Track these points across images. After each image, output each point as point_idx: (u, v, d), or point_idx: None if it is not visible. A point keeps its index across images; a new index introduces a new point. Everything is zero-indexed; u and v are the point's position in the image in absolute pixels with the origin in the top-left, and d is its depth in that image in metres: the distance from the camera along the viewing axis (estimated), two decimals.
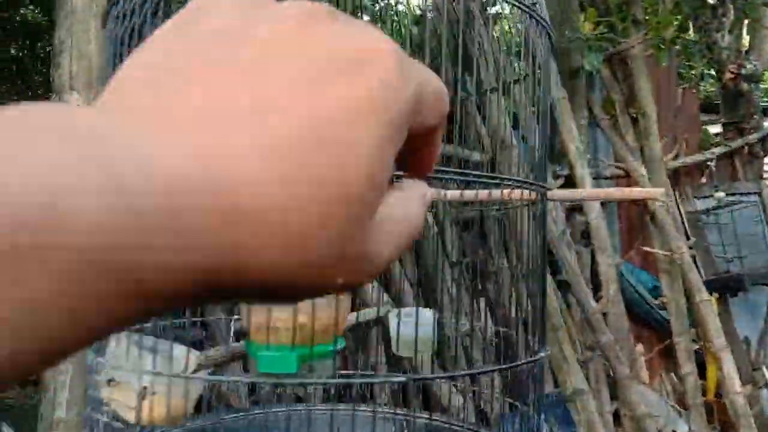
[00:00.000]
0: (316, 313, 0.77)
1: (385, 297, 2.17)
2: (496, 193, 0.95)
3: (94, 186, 0.14)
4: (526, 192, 0.91)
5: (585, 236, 2.80)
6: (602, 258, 2.53)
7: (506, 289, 2.59)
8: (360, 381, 0.78)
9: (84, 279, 0.14)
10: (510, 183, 0.89)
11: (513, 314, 1.06)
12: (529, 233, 0.95)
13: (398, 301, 2.27)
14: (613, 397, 2.36)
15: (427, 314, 1.17)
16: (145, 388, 0.75)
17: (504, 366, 0.87)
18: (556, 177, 2.72)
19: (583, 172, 2.65)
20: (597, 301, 2.52)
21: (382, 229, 0.19)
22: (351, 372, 1.75)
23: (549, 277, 2.44)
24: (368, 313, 1.35)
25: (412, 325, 1.05)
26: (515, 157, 2.00)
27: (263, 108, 0.17)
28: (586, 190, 1.26)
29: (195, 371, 0.74)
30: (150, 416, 0.76)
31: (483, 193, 0.94)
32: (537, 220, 0.95)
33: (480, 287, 2.79)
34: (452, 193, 0.97)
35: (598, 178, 2.94)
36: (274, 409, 1.22)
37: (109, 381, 0.79)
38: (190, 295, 0.16)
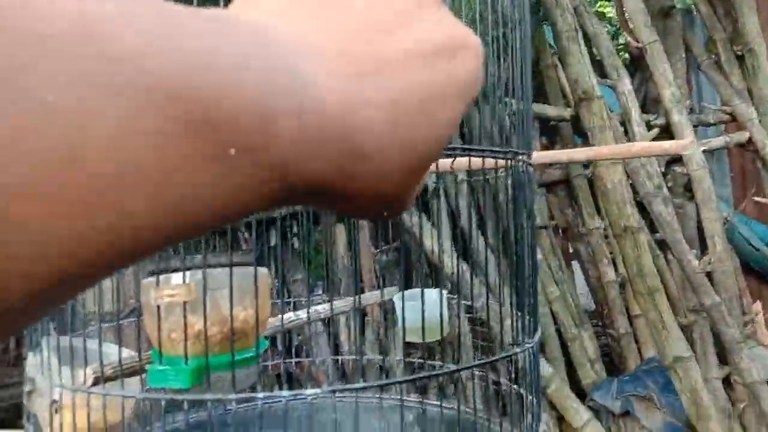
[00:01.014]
0: (219, 318, 0.68)
1: (464, 266, 2.10)
2: (473, 161, 0.85)
3: (289, 108, 0.18)
4: (497, 161, 0.81)
5: (688, 189, 2.57)
6: (706, 211, 2.31)
7: (600, 251, 2.44)
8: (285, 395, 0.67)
9: (267, 174, 0.18)
10: (476, 153, 0.79)
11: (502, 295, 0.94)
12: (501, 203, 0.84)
13: (478, 269, 2.18)
14: (725, 361, 2.17)
15: (433, 295, 1.07)
16: (54, 401, 0.72)
17: (476, 363, 0.77)
18: (650, 127, 2.51)
19: (680, 119, 2.43)
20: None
21: None
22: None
23: (645, 237, 2.27)
24: (370, 298, 1.27)
25: (417, 309, 0.95)
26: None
27: (392, 69, 0.21)
28: (575, 150, 1.11)
29: (95, 384, 0.69)
30: None
31: (459, 162, 0.83)
32: (517, 188, 0.84)
33: (571, 250, 2.65)
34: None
35: (700, 125, 2.68)
36: (276, 398, 1.19)
37: (30, 392, 0.77)
38: (307, 194, 0.20)
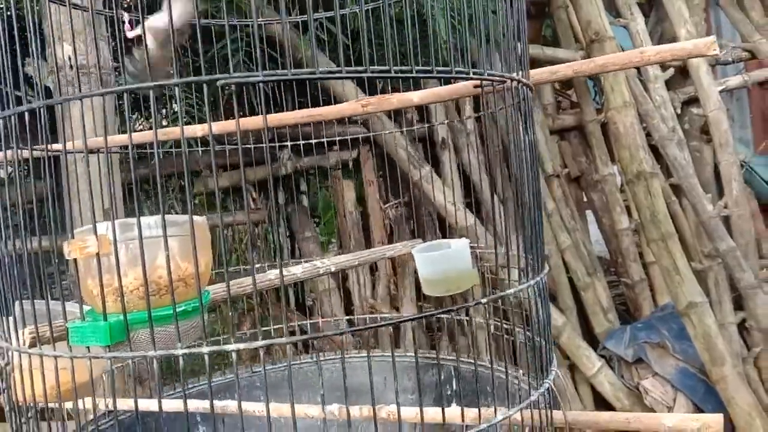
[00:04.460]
0: (143, 271, 0.61)
1: (474, 218, 2.07)
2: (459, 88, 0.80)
3: None
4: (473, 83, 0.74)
5: (705, 131, 2.50)
6: (723, 154, 2.25)
7: (613, 198, 2.39)
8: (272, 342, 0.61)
9: None
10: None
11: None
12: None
13: (489, 221, 2.16)
14: (741, 307, 2.13)
15: (453, 247, 1.04)
16: (7, 364, 0.72)
17: (451, 308, 0.73)
18: (665, 68, 2.43)
19: (697, 58, 2.34)
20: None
21: None
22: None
23: (659, 182, 2.21)
24: (393, 249, 1.26)
25: (432, 262, 0.93)
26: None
27: None
28: (579, 62, 1.03)
29: (32, 345, 0.67)
30: (17, 395, 0.69)
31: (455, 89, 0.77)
32: (518, 114, 0.78)
33: (585, 198, 2.60)
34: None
35: (718, 65, 2.58)
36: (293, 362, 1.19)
37: None
38: None
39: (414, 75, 0.64)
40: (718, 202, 2.13)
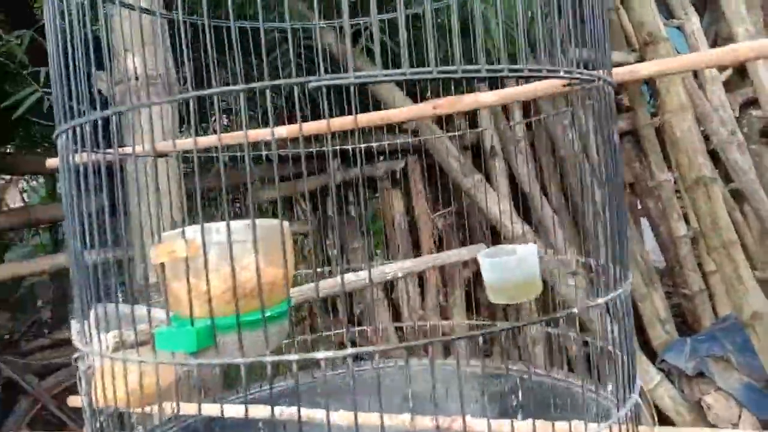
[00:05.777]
0: (228, 275, 0.60)
1: (525, 227, 2.03)
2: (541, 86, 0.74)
3: None
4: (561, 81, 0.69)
5: (766, 134, 2.40)
6: None
7: (670, 205, 2.32)
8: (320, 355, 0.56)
9: None
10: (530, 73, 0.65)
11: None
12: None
13: (542, 231, 2.11)
14: None
15: (520, 253, 0.97)
16: (89, 366, 0.71)
17: (533, 321, 0.70)
18: (722, 69, 2.34)
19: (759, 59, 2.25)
20: None
21: None
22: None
23: (719, 188, 2.14)
24: (457, 254, 1.22)
25: (501, 268, 0.89)
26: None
27: None
28: (667, 60, 0.97)
29: (115, 350, 0.67)
30: (97, 399, 0.68)
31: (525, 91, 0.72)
32: (597, 113, 0.72)
33: (639, 205, 2.53)
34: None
35: None
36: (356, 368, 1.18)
37: (76, 358, 0.77)
38: None
39: (505, 75, 0.60)
40: None
